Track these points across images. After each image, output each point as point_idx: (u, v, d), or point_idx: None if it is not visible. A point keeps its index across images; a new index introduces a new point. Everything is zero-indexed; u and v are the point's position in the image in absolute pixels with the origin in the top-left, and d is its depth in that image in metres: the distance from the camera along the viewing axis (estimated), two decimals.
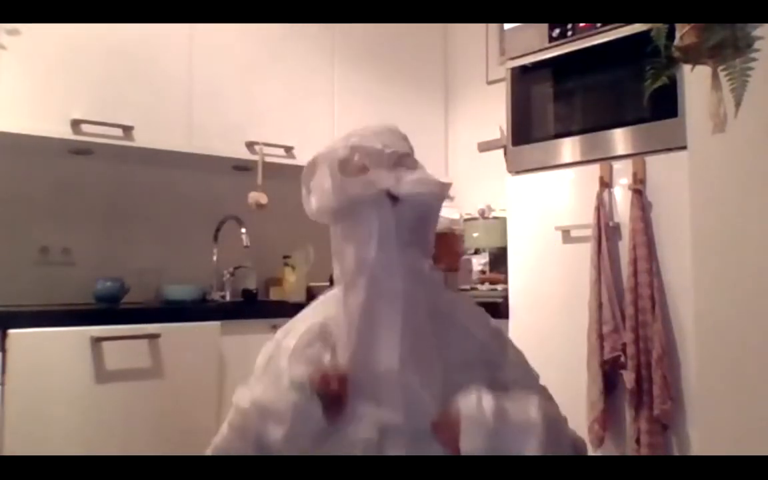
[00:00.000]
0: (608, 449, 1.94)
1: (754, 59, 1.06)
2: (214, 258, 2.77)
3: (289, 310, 1.43)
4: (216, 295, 2.72)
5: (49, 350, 1.91)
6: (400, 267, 1.12)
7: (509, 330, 2.21)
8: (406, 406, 1.09)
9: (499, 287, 2.54)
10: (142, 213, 2.69)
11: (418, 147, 1.27)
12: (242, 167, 2.72)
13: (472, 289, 2.69)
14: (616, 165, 2.05)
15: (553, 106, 2.29)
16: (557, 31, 2.23)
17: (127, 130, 2.33)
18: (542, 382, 1.29)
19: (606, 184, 2.05)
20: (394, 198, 1.12)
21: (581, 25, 2.16)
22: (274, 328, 1.33)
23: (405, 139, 1.26)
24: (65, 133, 2.22)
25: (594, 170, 2.08)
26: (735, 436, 1.67)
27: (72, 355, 1.94)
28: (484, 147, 2.62)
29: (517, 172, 2.34)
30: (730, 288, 1.71)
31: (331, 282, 1.27)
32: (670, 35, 1.13)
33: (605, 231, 2.00)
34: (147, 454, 1.96)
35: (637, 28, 1.86)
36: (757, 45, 1.07)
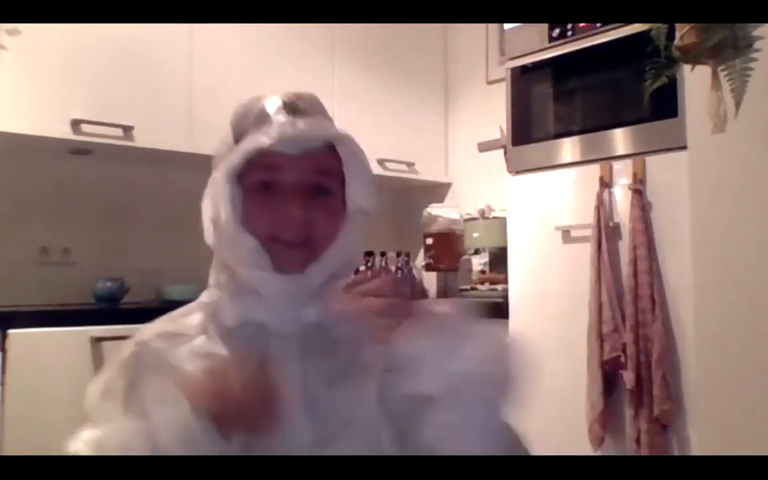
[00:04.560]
0: (608, 449, 1.94)
1: (754, 59, 1.07)
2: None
3: None
4: None
5: (49, 350, 1.91)
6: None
7: (509, 330, 2.21)
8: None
9: (499, 287, 2.54)
10: (142, 213, 2.68)
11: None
12: None
13: (472, 289, 2.69)
14: (616, 165, 2.05)
15: (553, 106, 2.29)
16: (557, 31, 2.23)
17: (127, 130, 2.33)
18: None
19: (606, 184, 2.05)
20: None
21: (581, 25, 2.16)
22: None
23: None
24: (65, 133, 2.22)
25: (594, 170, 2.08)
26: (735, 436, 1.67)
27: (72, 355, 1.94)
28: (484, 147, 2.62)
29: (517, 172, 2.33)
30: (730, 288, 1.70)
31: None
32: (670, 35, 1.13)
33: (605, 231, 2.00)
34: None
35: (637, 28, 1.86)
36: (757, 45, 1.07)
